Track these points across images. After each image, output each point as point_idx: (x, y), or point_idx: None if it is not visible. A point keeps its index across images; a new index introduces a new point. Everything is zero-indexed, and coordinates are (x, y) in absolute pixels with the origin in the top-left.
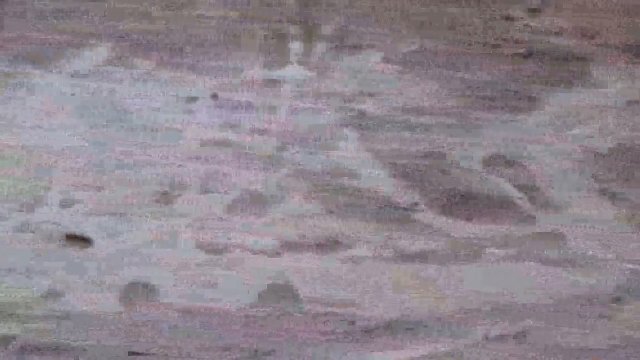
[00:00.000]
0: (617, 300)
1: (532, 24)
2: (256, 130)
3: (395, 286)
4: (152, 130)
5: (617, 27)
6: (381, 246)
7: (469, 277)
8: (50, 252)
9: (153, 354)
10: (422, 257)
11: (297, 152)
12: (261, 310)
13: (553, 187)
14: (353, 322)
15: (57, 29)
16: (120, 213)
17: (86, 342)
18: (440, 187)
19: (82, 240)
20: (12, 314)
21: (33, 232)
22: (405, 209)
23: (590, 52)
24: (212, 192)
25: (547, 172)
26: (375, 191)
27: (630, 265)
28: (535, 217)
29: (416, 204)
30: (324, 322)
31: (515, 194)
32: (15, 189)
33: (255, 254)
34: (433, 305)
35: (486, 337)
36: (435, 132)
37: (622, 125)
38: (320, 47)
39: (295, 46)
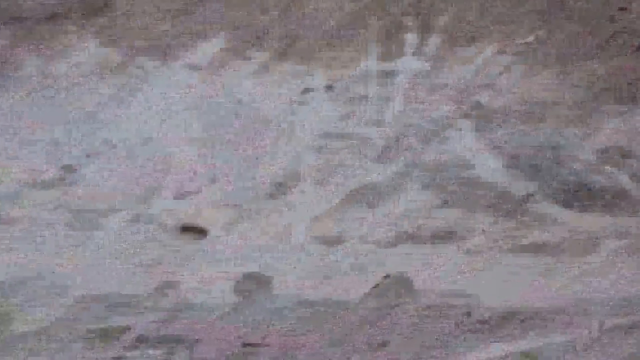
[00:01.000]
0: None
1: None
2: (371, 122)
3: (511, 277)
4: (267, 121)
5: None
6: (497, 237)
7: (584, 268)
8: (165, 243)
9: (267, 345)
10: (537, 248)
11: (413, 143)
12: (376, 301)
13: None
14: (468, 313)
15: (173, 20)
16: (236, 204)
17: (201, 334)
18: (556, 179)
19: (197, 232)
20: (126, 305)
21: (148, 223)
22: (521, 200)
23: None
24: (328, 184)
25: None
26: (491, 182)
27: None
28: None
29: (532, 195)
30: (440, 314)
31: (631, 185)
32: (130, 181)
33: (370, 244)
34: (548, 296)
35: (602, 329)
36: (550, 123)
37: None
38: (435, 39)
39: (411, 38)
